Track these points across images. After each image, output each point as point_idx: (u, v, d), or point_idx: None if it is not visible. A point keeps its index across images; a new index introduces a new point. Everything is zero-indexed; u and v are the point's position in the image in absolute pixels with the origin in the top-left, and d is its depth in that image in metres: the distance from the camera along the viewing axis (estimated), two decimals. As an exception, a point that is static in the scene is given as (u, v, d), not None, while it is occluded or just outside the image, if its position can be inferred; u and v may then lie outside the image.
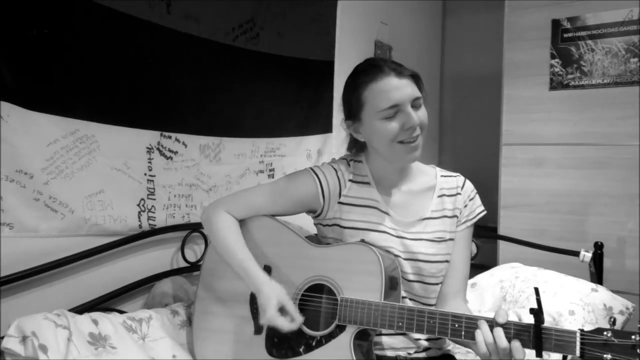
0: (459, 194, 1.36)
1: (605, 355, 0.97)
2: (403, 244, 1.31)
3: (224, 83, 1.92)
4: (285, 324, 1.19)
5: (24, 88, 1.38)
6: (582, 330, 1.01)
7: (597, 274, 2.14)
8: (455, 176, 1.40)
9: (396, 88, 1.21)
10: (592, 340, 0.99)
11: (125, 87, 1.62)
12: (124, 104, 1.62)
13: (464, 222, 1.36)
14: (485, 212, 1.39)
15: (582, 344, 1.00)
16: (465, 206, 1.36)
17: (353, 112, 1.29)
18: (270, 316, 1.19)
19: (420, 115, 1.24)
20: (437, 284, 1.34)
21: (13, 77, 1.35)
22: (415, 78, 1.26)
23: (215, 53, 1.88)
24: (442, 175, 1.39)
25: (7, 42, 1.34)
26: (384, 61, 1.26)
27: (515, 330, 1.05)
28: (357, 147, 1.37)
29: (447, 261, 1.34)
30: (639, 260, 2.43)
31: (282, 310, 1.21)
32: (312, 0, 2.30)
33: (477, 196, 1.39)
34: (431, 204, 1.35)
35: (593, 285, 1.94)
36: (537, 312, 1.03)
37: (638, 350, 0.95)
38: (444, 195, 1.36)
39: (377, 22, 2.83)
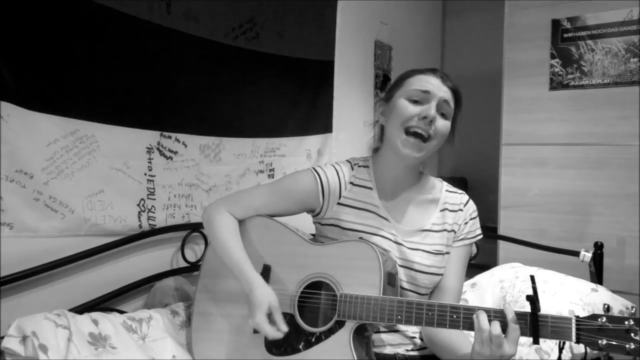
0: (461, 210, 1.37)
1: (600, 341, 0.99)
2: (400, 250, 1.31)
3: (224, 83, 1.92)
4: (271, 332, 1.19)
5: (24, 88, 1.38)
6: (577, 317, 1.03)
7: (597, 274, 2.14)
8: (460, 193, 1.41)
9: (434, 84, 1.28)
10: (587, 326, 1.01)
11: (125, 87, 1.62)
12: (124, 104, 1.62)
13: (462, 239, 1.36)
14: (482, 236, 1.41)
15: (577, 329, 1.02)
16: (466, 223, 1.37)
17: (390, 91, 1.35)
18: (259, 321, 1.19)
19: (440, 121, 1.27)
20: (430, 295, 1.36)
21: (13, 77, 1.35)
22: (456, 94, 1.32)
23: (215, 53, 1.88)
24: (447, 190, 1.40)
25: (7, 42, 1.34)
26: (439, 71, 1.33)
27: None
28: (377, 140, 1.42)
29: (442, 274, 1.34)
30: (639, 260, 2.43)
31: (270, 317, 1.21)
32: (312, 0, 2.30)
33: (478, 218, 1.40)
34: (432, 216, 1.35)
35: (593, 285, 1.94)
36: (533, 300, 1.04)
37: (632, 335, 0.97)
38: (447, 209, 1.37)
39: (377, 22, 2.83)
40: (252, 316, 1.21)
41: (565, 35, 2.64)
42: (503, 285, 1.96)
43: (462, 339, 1.24)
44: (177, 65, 1.76)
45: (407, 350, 1.33)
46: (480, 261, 2.50)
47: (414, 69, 1.34)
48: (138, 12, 1.63)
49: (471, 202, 1.40)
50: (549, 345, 1.65)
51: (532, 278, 1.07)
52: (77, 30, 1.49)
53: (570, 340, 1.02)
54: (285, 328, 1.21)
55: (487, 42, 3.25)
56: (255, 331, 1.29)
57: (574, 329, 1.02)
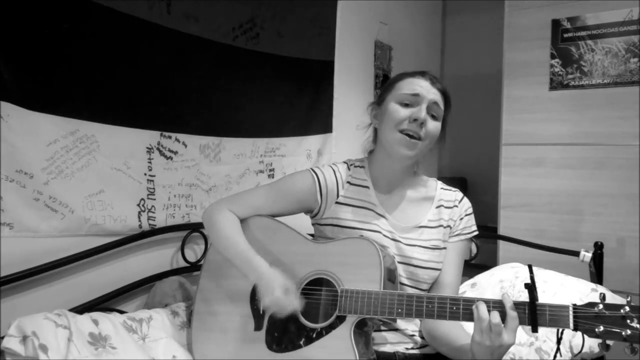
0: (456, 206, 1.40)
1: (597, 328, 1.01)
2: (398, 247, 1.33)
3: (224, 83, 1.92)
4: (289, 304, 1.20)
5: (24, 88, 1.38)
6: (574, 305, 1.05)
7: (597, 274, 2.14)
8: (454, 191, 1.44)
9: (424, 87, 1.31)
10: (584, 313, 1.03)
11: (125, 87, 1.62)
12: (124, 104, 1.62)
13: (457, 234, 1.39)
14: (477, 232, 1.43)
15: (575, 317, 1.04)
16: (461, 219, 1.39)
17: (381, 95, 1.39)
18: (277, 296, 1.20)
19: (431, 123, 1.30)
20: (428, 290, 1.37)
21: (13, 77, 1.35)
22: (445, 95, 1.35)
23: (215, 53, 1.88)
24: (441, 188, 1.43)
25: (7, 42, 1.34)
26: (428, 74, 1.36)
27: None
28: (370, 142, 1.44)
29: (441, 269, 1.36)
30: (639, 260, 2.43)
31: (286, 293, 1.21)
32: (312, 0, 2.30)
33: (473, 215, 1.42)
34: (429, 213, 1.38)
35: (593, 285, 1.94)
36: (531, 288, 1.06)
37: (628, 321, 0.99)
38: (442, 206, 1.39)
39: (377, 22, 2.83)
40: (267, 296, 1.21)
41: (565, 35, 2.64)
42: (503, 285, 1.96)
43: (460, 332, 1.25)
44: (177, 65, 1.76)
45: (406, 349, 1.34)
46: (480, 261, 2.50)
47: (404, 72, 1.38)
48: (138, 12, 1.63)
49: (466, 199, 1.43)
50: (549, 345, 1.65)
51: (530, 267, 1.09)
52: (77, 30, 1.49)
53: (568, 327, 1.04)
54: (300, 302, 1.22)
55: (487, 42, 3.25)
56: (257, 327, 1.29)
57: (571, 317, 1.04)
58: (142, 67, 1.66)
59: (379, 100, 1.39)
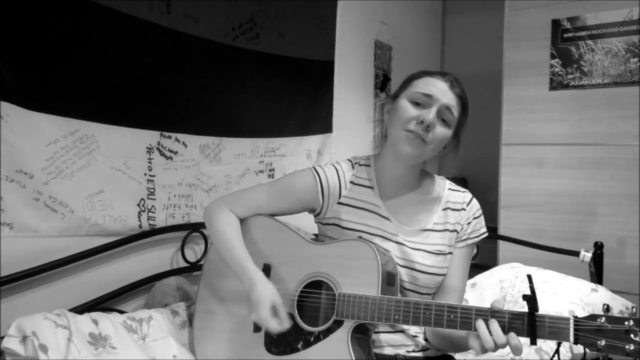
0: (464, 209, 1.35)
1: (599, 341, 0.98)
2: (401, 250, 1.30)
3: (224, 83, 1.92)
4: (274, 326, 1.19)
5: (24, 88, 1.38)
6: (575, 317, 1.02)
7: (597, 274, 2.14)
8: (463, 192, 1.38)
9: (440, 88, 1.26)
10: (586, 327, 1.00)
11: (125, 87, 1.62)
12: (124, 104, 1.62)
13: (465, 239, 1.35)
14: (487, 234, 1.38)
15: (576, 330, 1.00)
16: (469, 223, 1.35)
17: (397, 90, 1.34)
18: (264, 315, 1.19)
19: (439, 128, 1.25)
20: (430, 294, 1.35)
21: (13, 77, 1.35)
22: (463, 101, 1.30)
23: (215, 53, 1.88)
24: (449, 189, 1.38)
25: (7, 42, 1.34)
26: (450, 75, 1.31)
27: (509, 319, 1.06)
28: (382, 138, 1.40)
29: (444, 274, 1.33)
30: (639, 260, 2.43)
31: (273, 312, 1.21)
32: (312, 0, 2.30)
33: (482, 217, 1.37)
34: (435, 216, 1.34)
35: (593, 285, 1.94)
36: (531, 299, 1.03)
37: (631, 336, 0.96)
38: (449, 208, 1.35)
39: (377, 22, 2.83)
40: (255, 311, 1.21)
41: (565, 35, 2.64)
42: (503, 285, 1.96)
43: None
44: (177, 65, 1.76)
45: (407, 352, 1.32)
46: (480, 261, 2.50)
47: (424, 70, 1.32)
48: (138, 12, 1.63)
49: (474, 200, 1.37)
50: (549, 345, 1.65)
51: (530, 277, 1.06)
52: (77, 30, 1.49)
53: (568, 340, 1.01)
54: (287, 323, 1.21)
55: (487, 42, 3.25)
56: (256, 329, 1.29)
57: (572, 330, 1.01)
58: (142, 67, 1.66)
59: (394, 95, 1.33)
